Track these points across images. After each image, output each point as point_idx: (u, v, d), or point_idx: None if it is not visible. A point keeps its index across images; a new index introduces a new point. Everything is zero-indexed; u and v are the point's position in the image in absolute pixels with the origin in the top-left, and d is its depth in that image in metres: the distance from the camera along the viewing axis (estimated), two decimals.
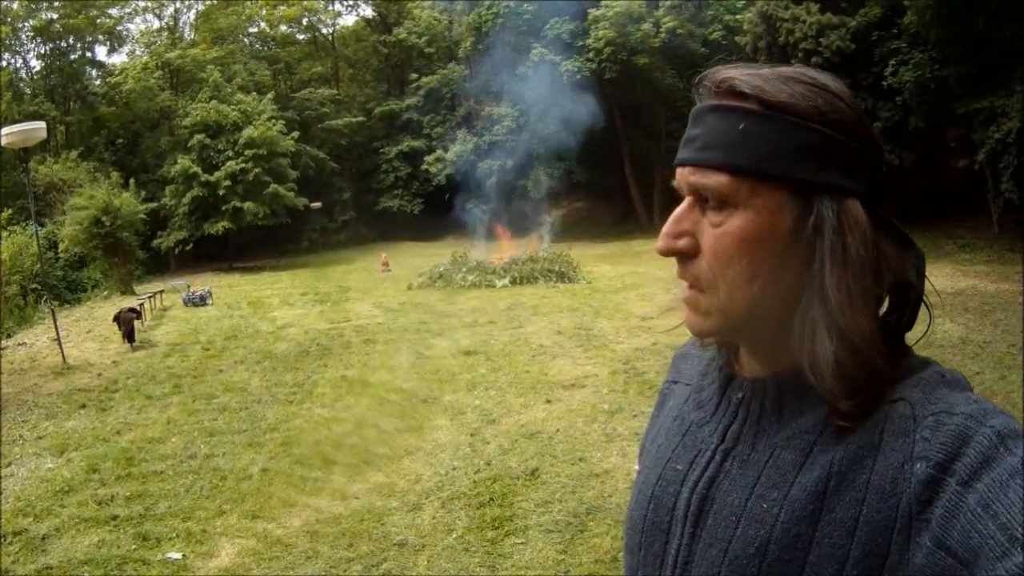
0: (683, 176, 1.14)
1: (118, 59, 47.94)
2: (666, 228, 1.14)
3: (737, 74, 1.12)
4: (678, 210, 1.14)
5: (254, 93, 41.87)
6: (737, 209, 1.08)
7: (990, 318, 13.40)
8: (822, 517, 1.02)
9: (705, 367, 1.37)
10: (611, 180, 38.84)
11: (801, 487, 1.05)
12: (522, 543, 6.25)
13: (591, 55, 35.95)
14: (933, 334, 1.16)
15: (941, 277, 16.64)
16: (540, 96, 37.87)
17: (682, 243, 1.13)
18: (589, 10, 35.80)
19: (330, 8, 55.91)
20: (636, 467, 1.44)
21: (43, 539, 6.85)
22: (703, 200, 1.12)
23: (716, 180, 1.09)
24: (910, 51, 22.62)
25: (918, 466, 0.97)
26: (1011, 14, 18.82)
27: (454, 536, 6.46)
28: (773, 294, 1.10)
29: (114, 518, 7.21)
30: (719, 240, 1.09)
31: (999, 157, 20.73)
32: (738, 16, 33.42)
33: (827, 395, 1.06)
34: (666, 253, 1.15)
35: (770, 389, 1.17)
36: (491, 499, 7.08)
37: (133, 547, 6.62)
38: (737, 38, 30.49)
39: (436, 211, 44.94)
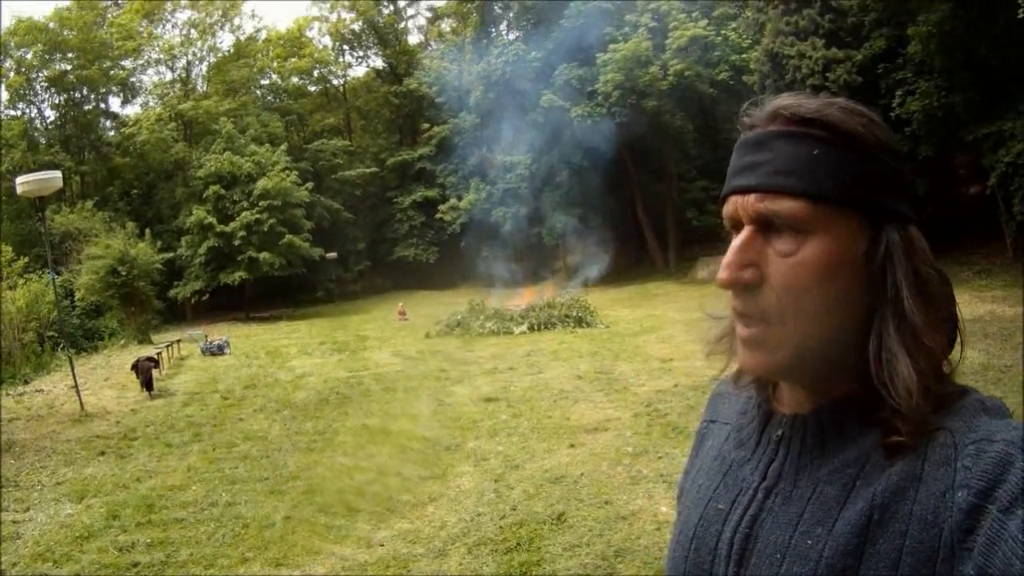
0: (745, 203, 1.11)
1: (132, 110, 48.56)
2: (730, 258, 1.10)
3: (799, 101, 1.12)
4: (741, 239, 1.11)
5: (267, 144, 42.26)
6: (811, 236, 1.07)
7: (1010, 342, 13.24)
8: (866, 550, 1.00)
9: (743, 405, 1.34)
10: (624, 224, 38.89)
11: (845, 522, 1.03)
12: None
13: (600, 100, 36.14)
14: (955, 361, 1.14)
15: (959, 304, 16.54)
16: (551, 142, 38.07)
17: (748, 274, 1.10)
18: (597, 55, 35.96)
19: (340, 60, 56.56)
20: (665, 510, 1.41)
21: None
22: (767, 229, 1.10)
23: (791, 206, 1.07)
24: (916, 81, 22.77)
25: (959, 495, 0.96)
26: (1013, 39, 18.98)
27: None
28: (843, 324, 1.09)
29: (135, 565, 7.15)
30: (792, 270, 1.07)
31: (1010, 180, 20.81)
32: (744, 55, 33.67)
33: (909, 412, 1.03)
34: (730, 285, 1.11)
35: (811, 425, 1.15)
36: (518, 544, 6.98)
37: None
38: (744, 77, 30.81)
39: (451, 259, 45.09)
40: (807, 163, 1.07)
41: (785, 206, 1.07)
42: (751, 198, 1.10)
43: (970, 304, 16.85)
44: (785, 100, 1.13)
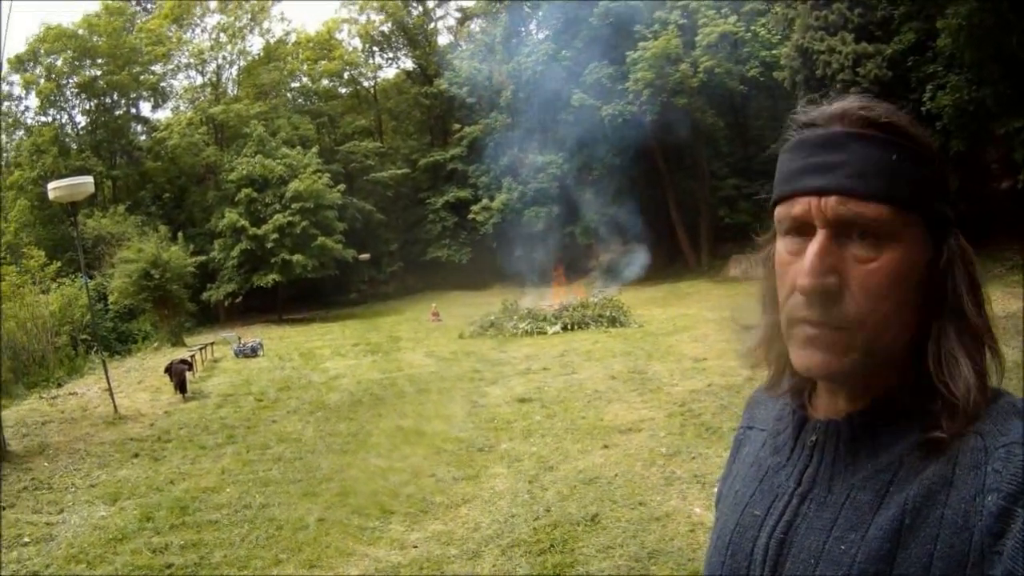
0: (824, 206, 1.10)
1: (162, 114, 48.71)
2: (813, 264, 1.09)
3: (869, 104, 1.12)
4: (820, 244, 1.09)
5: (299, 147, 42.29)
6: (889, 243, 1.08)
7: None
8: (898, 555, 1.01)
9: (779, 411, 1.36)
10: (657, 222, 38.76)
11: (878, 527, 1.05)
12: None
13: (631, 98, 35.94)
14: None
15: (992, 301, 16.16)
16: (583, 141, 37.99)
17: (830, 280, 1.08)
18: (627, 53, 35.85)
19: (370, 62, 56.55)
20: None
21: None
22: (841, 233, 1.09)
23: (878, 212, 1.07)
24: (946, 75, 22.49)
25: (989, 498, 0.97)
26: None
27: None
28: (909, 327, 1.11)
29: (169, 566, 7.19)
30: (873, 276, 1.08)
31: None
32: (774, 51, 33.38)
33: (966, 408, 1.04)
34: (814, 292, 1.09)
35: (844, 431, 1.17)
36: (551, 545, 6.96)
37: None
38: (775, 73, 30.49)
39: (484, 260, 45.06)
40: (887, 167, 1.08)
41: (870, 210, 1.07)
42: (832, 200, 1.09)
43: (1003, 300, 16.49)
44: (854, 102, 1.13)
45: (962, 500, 0.99)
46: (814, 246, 1.08)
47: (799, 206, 1.11)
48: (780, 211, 1.16)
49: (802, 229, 1.12)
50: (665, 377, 14.24)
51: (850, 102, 1.13)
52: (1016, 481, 0.95)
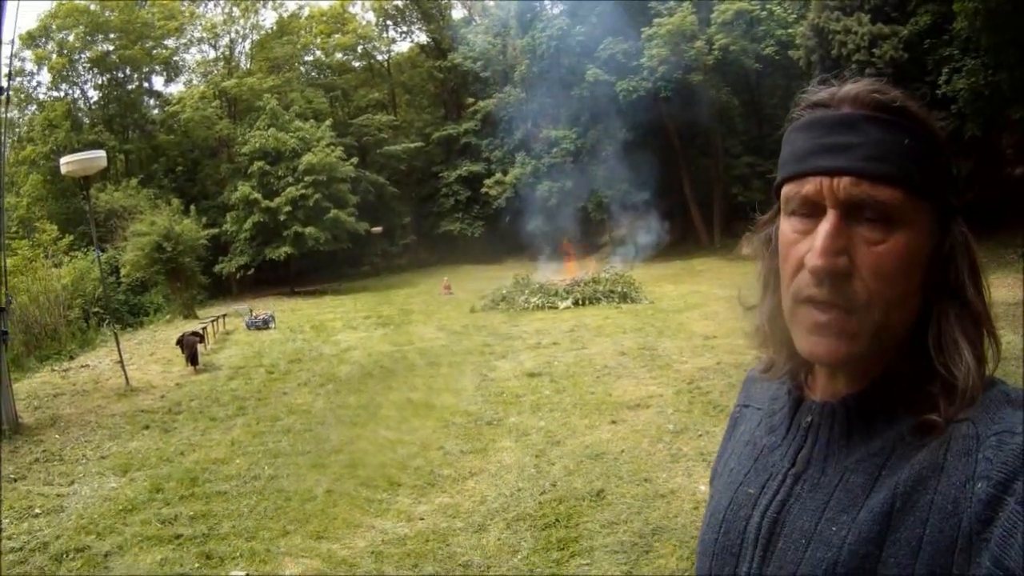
0: (837, 186, 1.10)
1: (175, 88, 48.58)
2: (825, 244, 1.09)
3: (883, 88, 1.12)
4: (831, 225, 1.10)
5: (312, 120, 42.15)
6: (898, 226, 1.08)
7: None
8: (888, 538, 1.02)
9: (776, 391, 1.36)
10: (670, 199, 38.61)
11: (869, 509, 1.06)
12: (587, 564, 6.18)
13: (645, 74, 35.64)
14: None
15: (1002, 288, 16.13)
16: (597, 117, 37.85)
17: (841, 261, 1.09)
18: (642, 29, 35.63)
19: (384, 35, 56.37)
20: (704, 489, 1.43)
21: (106, 556, 6.92)
22: (851, 215, 1.09)
23: (890, 195, 1.08)
24: (962, 58, 22.39)
25: (979, 486, 0.97)
26: None
27: (519, 557, 6.39)
28: (914, 311, 1.12)
29: (178, 537, 7.25)
30: (882, 258, 1.08)
31: None
32: (790, 30, 33.18)
33: (965, 391, 1.06)
34: (826, 273, 1.09)
35: (839, 413, 1.18)
36: (556, 520, 7.01)
37: (197, 565, 6.65)
38: (790, 52, 30.35)
39: (496, 234, 45.05)
40: (901, 151, 1.08)
41: (883, 194, 1.07)
42: (845, 181, 1.09)
43: (1013, 288, 16.36)
44: (866, 84, 1.13)
45: (952, 486, 1.00)
46: (826, 226, 1.09)
47: (810, 185, 1.11)
48: (789, 190, 1.16)
49: (812, 209, 1.12)
50: (674, 354, 14.24)
51: (863, 85, 1.13)
52: (1006, 469, 0.96)
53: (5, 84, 12.80)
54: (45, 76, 44.19)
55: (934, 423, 1.05)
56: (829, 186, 1.09)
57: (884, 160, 1.07)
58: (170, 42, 47.02)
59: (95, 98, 45.24)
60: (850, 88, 1.13)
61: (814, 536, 1.09)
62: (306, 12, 53.24)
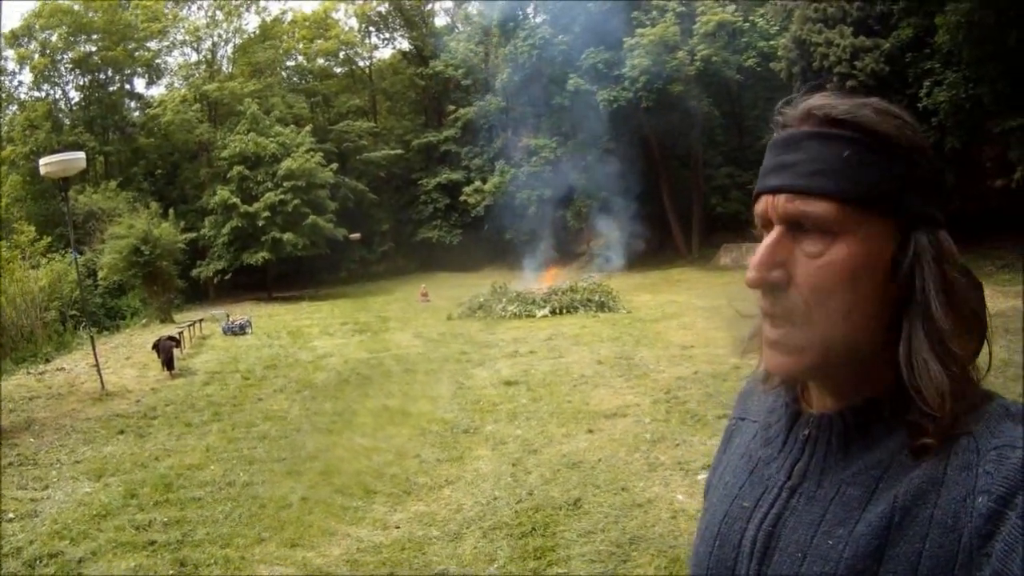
0: (775, 203, 1.13)
1: (156, 91, 48.41)
2: (759, 258, 1.11)
3: (831, 102, 1.12)
4: (770, 239, 1.13)
5: (292, 125, 42.17)
6: (840, 239, 1.08)
7: None
8: (886, 552, 1.01)
9: (772, 403, 1.35)
10: (649, 209, 38.72)
11: (866, 523, 1.05)
12: (564, 573, 6.16)
13: (627, 84, 35.80)
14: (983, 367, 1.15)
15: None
16: (577, 126, 37.97)
17: (775, 274, 1.11)
18: (624, 39, 35.76)
19: (366, 42, 56.41)
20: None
21: (79, 562, 6.85)
22: (796, 229, 1.10)
23: (823, 208, 1.08)
24: (943, 71, 22.59)
25: (980, 500, 0.97)
26: None
27: (496, 566, 6.37)
28: (869, 326, 1.09)
29: (152, 543, 7.19)
30: (819, 271, 1.08)
31: None
32: (772, 42, 33.41)
33: (941, 415, 1.04)
34: (757, 285, 1.12)
35: (836, 426, 1.17)
36: (533, 529, 6.98)
37: (171, 572, 6.60)
38: (772, 64, 30.61)
39: (475, 242, 45.13)
40: (838, 164, 1.08)
41: (814, 207, 1.08)
42: (781, 198, 1.11)
43: (993, 299, 16.49)
44: (818, 100, 1.14)
45: (952, 500, 0.99)
46: (767, 240, 1.11)
47: (761, 204, 1.15)
48: (754, 210, 1.18)
49: (768, 226, 1.14)
50: (652, 363, 14.24)
51: (815, 100, 1.14)
52: (1007, 484, 0.96)
53: None
54: (27, 76, 43.94)
55: (926, 446, 1.05)
56: (772, 204, 1.12)
57: (818, 175, 1.08)
58: (152, 44, 46.84)
59: (76, 99, 45.11)
60: (804, 105, 1.14)
61: (810, 550, 1.09)
62: (289, 17, 53.28)
